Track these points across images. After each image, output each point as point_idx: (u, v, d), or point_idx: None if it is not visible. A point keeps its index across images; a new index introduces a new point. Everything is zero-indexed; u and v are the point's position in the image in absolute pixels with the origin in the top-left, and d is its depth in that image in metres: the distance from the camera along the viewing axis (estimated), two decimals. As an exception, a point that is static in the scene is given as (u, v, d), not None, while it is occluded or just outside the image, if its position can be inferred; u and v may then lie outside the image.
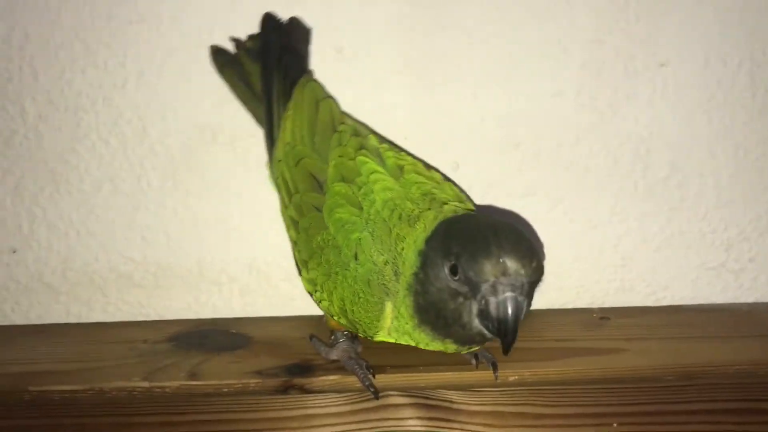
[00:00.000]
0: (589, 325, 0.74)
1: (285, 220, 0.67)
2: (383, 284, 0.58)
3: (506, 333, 0.53)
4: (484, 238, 0.53)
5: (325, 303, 0.62)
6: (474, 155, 0.76)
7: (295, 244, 0.65)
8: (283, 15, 0.72)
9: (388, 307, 0.58)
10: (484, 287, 0.52)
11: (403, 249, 0.58)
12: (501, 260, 0.52)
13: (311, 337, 0.69)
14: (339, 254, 0.60)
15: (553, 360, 0.67)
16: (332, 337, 0.68)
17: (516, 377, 0.65)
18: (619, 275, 0.79)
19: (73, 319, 0.78)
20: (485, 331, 0.54)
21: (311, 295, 0.64)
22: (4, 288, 0.77)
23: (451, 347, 0.59)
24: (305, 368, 0.66)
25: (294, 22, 0.71)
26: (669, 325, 0.73)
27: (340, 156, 0.64)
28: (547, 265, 0.76)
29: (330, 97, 0.70)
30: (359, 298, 0.59)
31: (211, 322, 0.77)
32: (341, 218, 0.61)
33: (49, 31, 0.72)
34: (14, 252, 0.76)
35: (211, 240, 0.77)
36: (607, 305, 0.80)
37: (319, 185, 0.64)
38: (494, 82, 0.74)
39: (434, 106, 0.75)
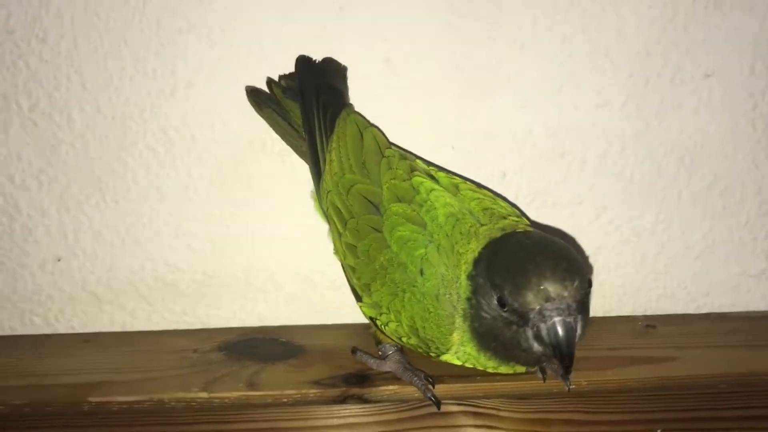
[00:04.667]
0: (638, 334, 0.75)
1: (339, 250, 0.66)
2: (450, 300, 0.58)
3: (563, 356, 0.54)
4: (523, 266, 0.54)
5: (393, 325, 0.62)
6: (521, 165, 0.76)
7: (353, 270, 0.65)
8: (333, 27, 0.72)
9: (458, 320, 0.58)
10: (533, 315, 0.53)
11: (460, 268, 0.58)
12: (542, 287, 0.52)
13: (354, 350, 0.69)
14: (405, 272, 0.60)
15: (610, 369, 0.68)
16: (380, 349, 0.68)
17: (573, 386, 0.66)
18: (661, 282, 0.80)
19: (117, 328, 0.78)
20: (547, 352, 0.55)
21: (374, 320, 0.64)
22: (49, 296, 0.77)
23: (520, 369, 0.59)
24: (363, 378, 0.66)
25: (328, 61, 0.72)
26: (716, 333, 0.75)
27: (392, 179, 0.64)
28: (593, 272, 0.79)
29: (373, 125, 0.70)
30: (429, 313, 0.59)
31: (258, 330, 0.77)
32: (403, 236, 0.61)
33: (98, 38, 0.71)
34: (59, 260, 0.76)
35: (257, 248, 0.77)
36: (648, 312, 0.80)
37: (375, 208, 0.64)
38: (542, 93, 0.74)
39: (482, 116, 0.75)
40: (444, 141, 0.75)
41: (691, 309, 0.80)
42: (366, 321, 0.67)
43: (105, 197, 0.75)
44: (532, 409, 0.68)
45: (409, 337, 0.61)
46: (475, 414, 0.68)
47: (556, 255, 0.54)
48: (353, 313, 0.72)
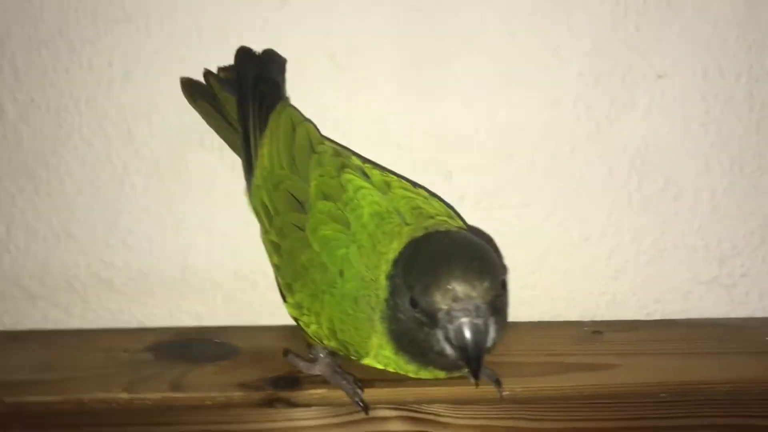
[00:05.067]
0: (582, 340, 0.73)
1: (266, 246, 0.65)
2: (369, 303, 0.57)
3: (469, 359, 0.52)
4: (434, 266, 0.52)
5: (313, 327, 0.61)
6: (467, 165, 0.74)
7: (278, 269, 0.63)
8: (275, 19, 0.70)
9: (377, 323, 0.56)
10: (441, 316, 0.52)
11: (380, 269, 0.57)
12: (450, 287, 0.51)
13: (286, 352, 0.67)
14: (325, 272, 0.59)
15: (547, 375, 0.66)
16: (312, 352, 0.66)
17: (507, 392, 0.64)
18: (610, 288, 0.78)
19: (50, 325, 0.76)
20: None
21: (297, 320, 0.63)
22: (-20, 292, 0.75)
23: (440, 374, 0.58)
24: (291, 381, 0.64)
25: (269, 53, 0.70)
26: (662, 340, 0.72)
27: (321, 175, 0.63)
28: (539, 276, 0.77)
29: (307, 120, 0.68)
30: (348, 315, 0.57)
31: (194, 330, 0.75)
32: (326, 235, 0.59)
33: (32, 27, 0.69)
34: (-9, 255, 0.74)
35: (195, 246, 0.75)
36: (597, 318, 0.78)
37: (300, 205, 0.62)
38: (490, 91, 0.72)
39: (428, 114, 0.73)
40: (388, 139, 0.73)
41: (641, 315, 0.79)
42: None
43: (39, 190, 0.73)
44: (475, 415, 0.67)
45: (329, 340, 0.60)
46: (414, 419, 0.66)
47: (469, 255, 0.53)
48: (294, 315, 0.70)
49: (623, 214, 0.76)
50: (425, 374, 0.58)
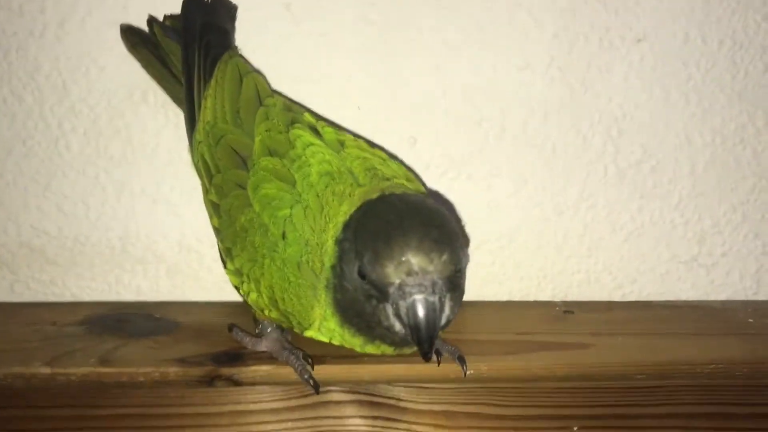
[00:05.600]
0: (553, 319, 0.68)
1: (207, 207, 0.59)
2: (313, 270, 0.51)
3: (420, 339, 0.47)
4: (387, 233, 0.47)
5: (253, 295, 0.55)
6: (433, 130, 0.69)
7: (218, 232, 0.58)
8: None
9: (321, 292, 0.51)
10: (392, 291, 0.47)
11: (327, 233, 0.51)
12: (404, 258, 0.46)
13: (231, 327, 0.62)
14: (266, 234, 0.53)
15: (514, 354, 0.60)
16: (258, 327, 0.60)
17: (472, 371, 0.58)
18: (584, 266, 0.73)
19: (-26, 299, 0.69)
20: None
21: (238, 289, 0.57)
22: None
23: (387, 350, 0.53)
24: (234, 356, 0.59)
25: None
26: (638, 321, 0.68)
27: (267, 130, 0.57)
28: (509, 252, 0.72)
29: (256, 71, 0.63)
30: (290, 283, 0.52)
31: (133, 305, 0.69)
32: (268, 194, 0.54)
33: (-44, -34, 0.63)
34: None
35: (135, 213, 0.69)
36: (570, 298, 0.74)
37: (243, 162, 0.56)
38: (458, 51, 0.68)
39: (392, 74, 0.68)
40: (348, 100, 0.68)
41: (616, 296, 0.74)
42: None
43: (-37, 150, 0.67)
44: (437, 400, 0.61)
45: (270, 310, 0.54)
46: (371, 404, 0.61)
47: (426, 222, 0.47)
48: (243, 290, 0.64)
49: (598, 188, 0.72)
50: (372, 349, 0.53)
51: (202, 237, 0.70)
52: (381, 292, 0.47)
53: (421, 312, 0.46)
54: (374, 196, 0.51)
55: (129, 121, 0.67)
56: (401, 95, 0.68)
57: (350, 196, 0.52)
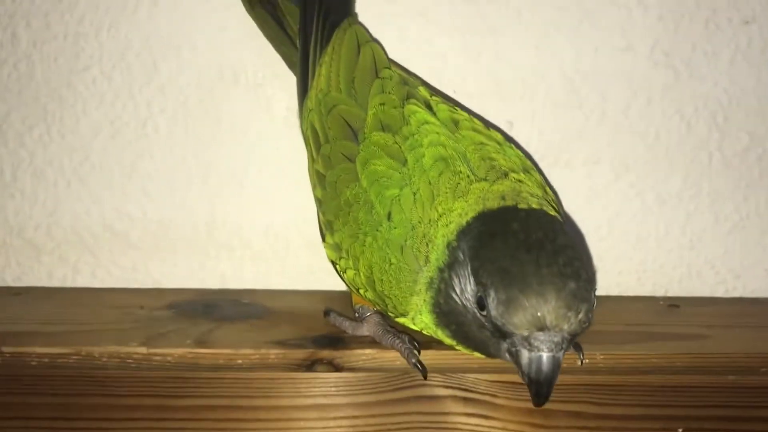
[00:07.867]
0: (660, 312, 0.65)
1: (311, 178, 0.57)
2: (416, 256, 0.48)
3: (539, 394, 0.45)
4: (522, 279, 0.43)
5: (350, 272, 0.53)
6: (530, 114, 0.67)
7: (320, 203, 0.56)
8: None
9: (421, 285, 0.48)
10: (517, 338, 0.44)
11: (437, 229, 0.48)
12: (539, 314, 0.42)
13: (327, 312, 0.59)
14: (370, 212, 0.51)
15: (631, 343, 0.57)
16: (357, 311, 0.58)
17: (587, 360, 0.55)
18: (686, 260, 0.70)
19: (56, 283, 0.68)
20: None
21: (335, 264, 0.55)
22: (-23, 243, 0.67)
23: (479, 356, 0.50)
24: (335, 340, 0.56)
25: None
26: (751, 315, 0.64)
27: (381, 104, 0.55)
28: (608, 244, 0.69)
29: (374, 41, 0.61)
30: (390, 265, 0.49)
31: (218, 292, 0.67)
32: (377, 170, 0.52)
33: (51, -57, 0.62)
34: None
35: (223, 197, 0.67)
36: (670, 294, 0.70)
37: (353, 134, 0.54)
38: (558, 32, 0.65)
39: (488, 56, 0.66)
40: (444, 82, 0.66)
41: (719, 292, 0.70)
42: (345, 288, 0.57)
43: (50, 130, 0.66)
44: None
45: (366, 290, 0.52)
46: (466, 400, 0.58)
47: (564, 270, 0.43)
48: (331, 279, 0.61)
49: (702, 177, 0.68)
50: (464, 350, 0.50)
51: (289, 223, 0.67)
52: (501, 333, 0.44)
53: (546, 368, 0.44)
54: (494, 205, 0.48)
55: (218, 103, 0.66)
56: (498, 77, 0.66)
57: (465, 193, 0.49)
